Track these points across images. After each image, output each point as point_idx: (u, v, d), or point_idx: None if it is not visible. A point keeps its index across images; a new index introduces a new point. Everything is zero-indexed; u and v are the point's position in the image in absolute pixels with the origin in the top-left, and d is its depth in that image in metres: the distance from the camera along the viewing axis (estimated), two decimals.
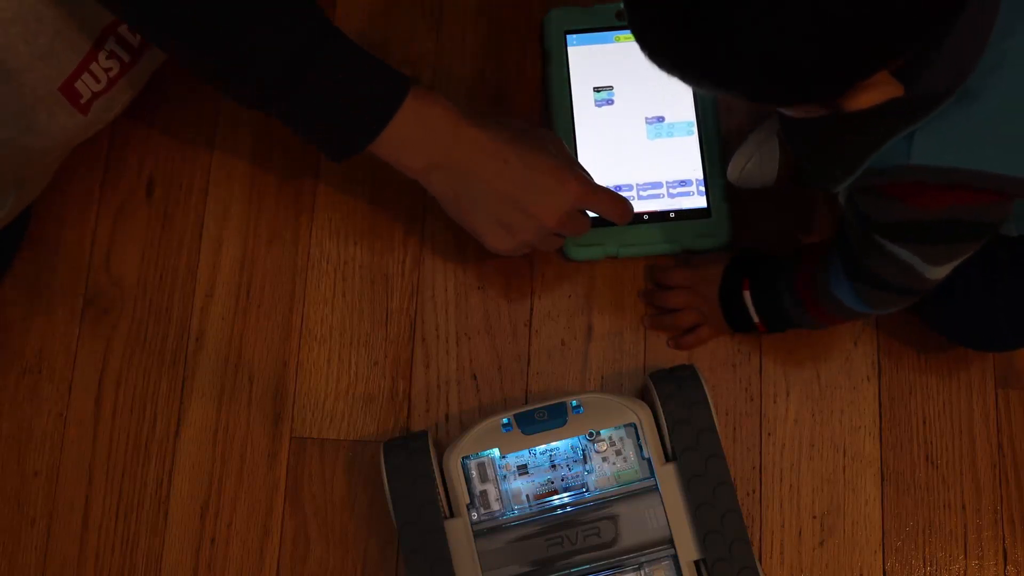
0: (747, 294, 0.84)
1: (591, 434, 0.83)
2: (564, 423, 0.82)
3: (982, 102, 0.59)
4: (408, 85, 0.75)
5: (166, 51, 0.76)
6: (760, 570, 0.80)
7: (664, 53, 0.56)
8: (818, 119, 0.61)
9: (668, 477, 0.81)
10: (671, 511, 0.80)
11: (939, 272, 0.70)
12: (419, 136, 0.76)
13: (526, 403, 0.87)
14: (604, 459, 0.83)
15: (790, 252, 0.83)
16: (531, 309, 0.92)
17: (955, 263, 0.70)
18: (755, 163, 0.88)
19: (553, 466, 0.84)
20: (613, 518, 0.81)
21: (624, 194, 0.91)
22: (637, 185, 0.92)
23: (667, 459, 0.82)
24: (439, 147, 0.77)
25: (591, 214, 0.90)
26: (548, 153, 0.80)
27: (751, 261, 0.86)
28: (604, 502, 0.82)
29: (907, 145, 0.61)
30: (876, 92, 0.56)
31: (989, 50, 0.58)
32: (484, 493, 0.82)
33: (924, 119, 0.60)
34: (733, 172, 0.89)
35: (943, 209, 0.64)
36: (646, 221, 0.91)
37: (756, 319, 0.84)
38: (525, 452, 0.83)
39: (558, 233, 0.82)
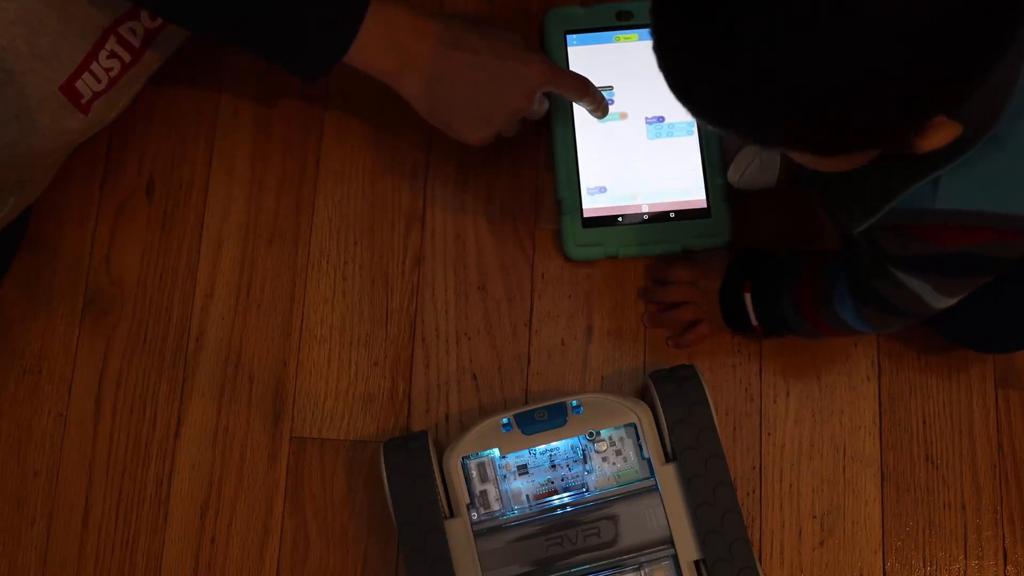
0: (748, 296, 0.84)
1: (591, 434, 0.83)
2: (564, 423, 0.82)
3: (1010, 146, 0.59)
4: None
5: None
6: (760, 570, 0.80)
7: (694, 83, 0.54)
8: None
9: (668, 477, 0.81)
10: (671, 511, 0.80)
11: (948, 302, 0.70)
12: (387, 40, 0.78)
13: (526, 403, 0.87)
14: (604, 459, 0.83)
15: (793, 256, 0.83)
16: (531, 309, 0.92)
17: (965, 293, 0.70)
18: (756, 167, 0.88)
19: (553, 466, 0.84)
20: (613, 518, 0.81)
21: (624, 194, 0.91)
22: (637, 184, 0.92)
23: (667, 459, 0.82)
24: (408, 47, 0.79)
25: (592, 215, 0.91)
26: (511, 40, 0.83)
27: (754, 262, 0.86)
28: (604, 502, 0.82)
29: (932, 189, 0.61)
30: (942, 132, 0.55)
31: (1017, 95, 0.58)
32: (484, 493, 0.82)
33: (951, 164, 0.60)
34: (734, 175, 0.89)
35: (964, 247, 0.64)
36: (646, 221, 0.91)
37: (755, 322, 0.84)
38: (525, 452, 0.83)
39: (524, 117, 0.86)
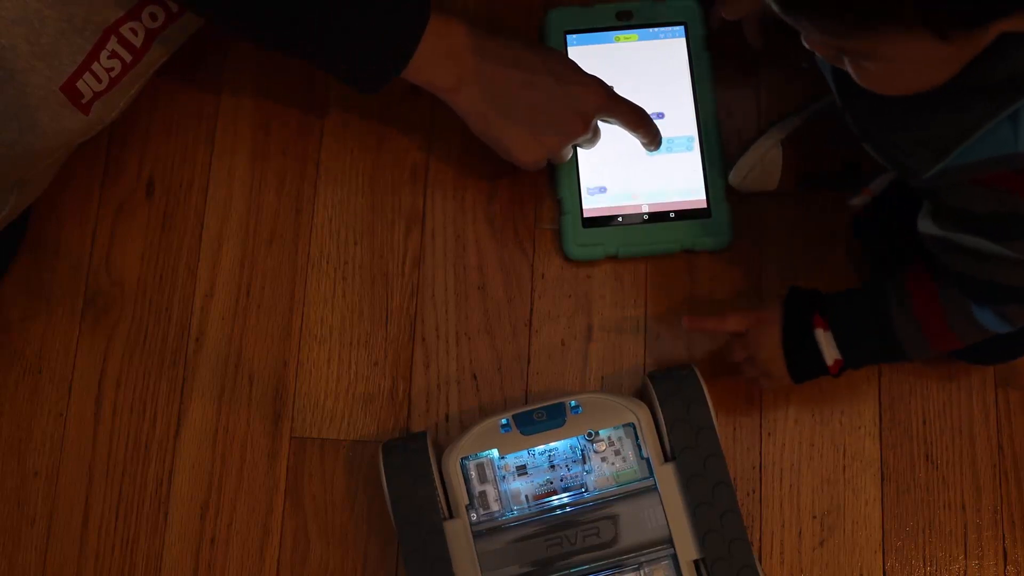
0: (820, 332, 0.78)
1: (590, 434, 0.83)
2: (563, 423, 0.82)
3: None
4: (428, 9, 0.77)
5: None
6: (760, 570, 0.80)
7: None
8: (906, 98, 0.58)
9: (667, 477, 0.81)
10: (670, 511, 0.80)
11: None
12: (446, 55, 0.79)
13: (526, 403, 0.87)
14: (603, 459, 0.83)
15: (884, 278, 0.77)
16: (531, 309, 0.92)
17: None
18: (758, 171, 0.88)
19: (552, 466, 0.83)
20: (612, 518, 0.81)
21: (624, 194, 0.91)
22: (637, 184, 0.92)
23: (666, 459, 0.82)
24: (466, 64, 0.80)
25: (592, 215, 0.91)
26: (569, 64, 0.83)
27: (814, 299, 0.79)
28: (603, 502, 0.82)
29: (1012, 130, 0.58)
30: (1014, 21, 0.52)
31: None
32: (483, 494, 0.82)
33: None
34: (735, 179, 0.88)
35: None
36: (646, 221, 0.91)
37: (832, 359, 0.78)
38: (524, 453, 0.83)
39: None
